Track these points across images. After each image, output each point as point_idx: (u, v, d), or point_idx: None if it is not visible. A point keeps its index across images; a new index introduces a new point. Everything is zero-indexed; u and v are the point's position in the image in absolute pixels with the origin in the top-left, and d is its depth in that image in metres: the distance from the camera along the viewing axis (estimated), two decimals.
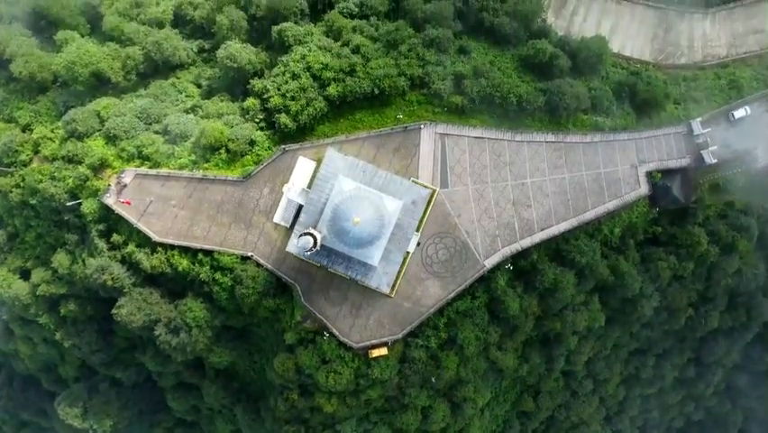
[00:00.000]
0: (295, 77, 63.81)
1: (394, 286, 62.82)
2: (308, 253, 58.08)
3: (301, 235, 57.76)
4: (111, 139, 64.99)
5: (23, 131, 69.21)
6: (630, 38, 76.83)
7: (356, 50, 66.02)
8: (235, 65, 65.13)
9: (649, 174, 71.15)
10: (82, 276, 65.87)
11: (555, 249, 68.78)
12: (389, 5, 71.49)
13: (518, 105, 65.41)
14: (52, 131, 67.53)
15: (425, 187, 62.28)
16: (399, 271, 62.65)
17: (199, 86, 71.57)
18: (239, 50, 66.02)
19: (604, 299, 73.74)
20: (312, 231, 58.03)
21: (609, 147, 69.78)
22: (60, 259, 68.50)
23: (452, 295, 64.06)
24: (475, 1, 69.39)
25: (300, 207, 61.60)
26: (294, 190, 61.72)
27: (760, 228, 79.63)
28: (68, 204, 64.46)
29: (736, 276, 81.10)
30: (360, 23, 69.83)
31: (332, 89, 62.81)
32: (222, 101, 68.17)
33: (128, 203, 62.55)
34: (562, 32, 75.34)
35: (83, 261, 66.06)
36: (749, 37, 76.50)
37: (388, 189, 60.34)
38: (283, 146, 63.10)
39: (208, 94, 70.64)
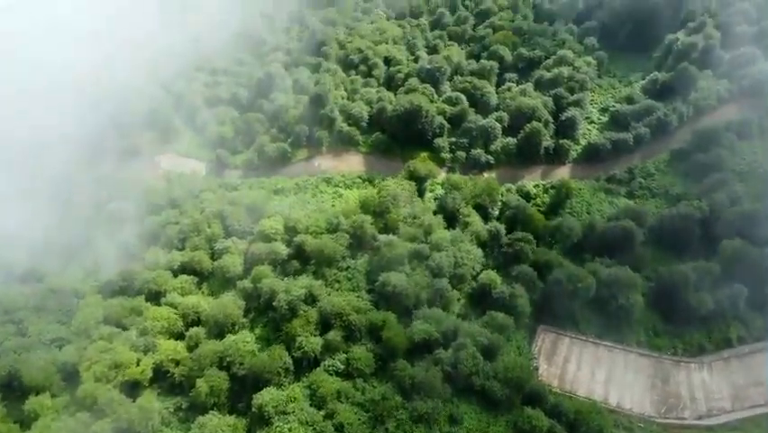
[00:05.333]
0: None
1: None
2: None
3: None
4: None
5: None
6: (627, 388, 73.91)
7: (340, 428, 62.53)
8: None
9: None
10: None
11: None
12: (376, 365, 70.20)
13: None
14: None
15: None
16: None
17: None
18: (216, 427, 62.56)
19: None
20: None
21: None
22: None
23: None
24: (464, 366, 67.48)
25: None
26: None
27: None
28: None
29: None
30: (345, 385, 67.77)
31: None
32: None
33: None
34: (556, 383, 73.04)
35: None
36: (751, 389, 73.42)
37: None
38: None
39: None
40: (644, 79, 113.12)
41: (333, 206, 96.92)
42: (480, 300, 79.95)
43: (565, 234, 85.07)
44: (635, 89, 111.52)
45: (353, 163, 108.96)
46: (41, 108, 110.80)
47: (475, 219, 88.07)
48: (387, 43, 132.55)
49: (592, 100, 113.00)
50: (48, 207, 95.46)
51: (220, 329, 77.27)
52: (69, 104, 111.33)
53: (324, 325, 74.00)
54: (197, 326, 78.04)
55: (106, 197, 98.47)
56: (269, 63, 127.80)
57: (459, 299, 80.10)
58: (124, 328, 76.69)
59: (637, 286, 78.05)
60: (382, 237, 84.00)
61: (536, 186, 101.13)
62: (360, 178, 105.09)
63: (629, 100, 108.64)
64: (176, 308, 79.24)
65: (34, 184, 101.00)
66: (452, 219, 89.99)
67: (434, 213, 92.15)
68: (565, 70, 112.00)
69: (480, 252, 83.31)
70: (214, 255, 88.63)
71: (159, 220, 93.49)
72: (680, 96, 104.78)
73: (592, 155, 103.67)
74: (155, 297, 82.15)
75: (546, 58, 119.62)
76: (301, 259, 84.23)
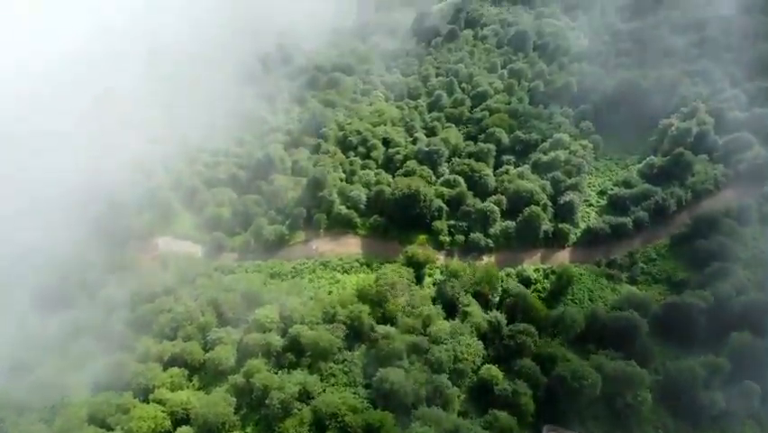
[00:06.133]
0: None
1: None
2: None
3: None
4: None
5: None
6: None
7: None
8: None
9: None
10: None
11: None
12: None
13: None
14: None
15: None
16: None
17: None
18: None
19: None
20: None
21: None
22: None
23: None
24: None
25: None
26: None
27: None
28: None
29: None
30: None
31: None
32: None
33: None
34: None
35: None
36: None
37: None
38: None
39: None
40: (640, 163, 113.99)
41: (330, 292, 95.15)
42: (482, 396, 76.67)
43: (568, 325, 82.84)
44: (632, 173, 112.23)
45: (351, 246, 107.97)
46: (35, 185, 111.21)
47: (475, 309, 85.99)
48: (385, 125, 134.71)
49: (590, 183, 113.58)
50: (39, 294, 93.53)
51: (210, 428, 73.63)
52: (66, 184, 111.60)
53: (319, 426, 70.61)
54: (186, 424, 74.45)
55: (100, 282, 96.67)
56: (269, 144, 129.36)
57: (459, 396, 76.80)
58: (109, 428, 73.18)
59: (644, 382, 75.01)
60: (380, 328, 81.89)
61: (537, 270, 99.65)
62: (357, 261, 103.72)
63: (627, 184, 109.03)
64: (164, 405, 76.06)
65: (27, 267, 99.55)
66: (451, 308, 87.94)
67: (433, 301, 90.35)
68: (562, 154, 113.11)
69: (480, 344, 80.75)
70: (206, 345, 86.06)
71: (151, 308, 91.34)
72: (677, 180, 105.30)
73: (592, 239, 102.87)
74: (144, 392, 79.00)
75: (543, 140, 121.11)
76: (296, 351, 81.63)
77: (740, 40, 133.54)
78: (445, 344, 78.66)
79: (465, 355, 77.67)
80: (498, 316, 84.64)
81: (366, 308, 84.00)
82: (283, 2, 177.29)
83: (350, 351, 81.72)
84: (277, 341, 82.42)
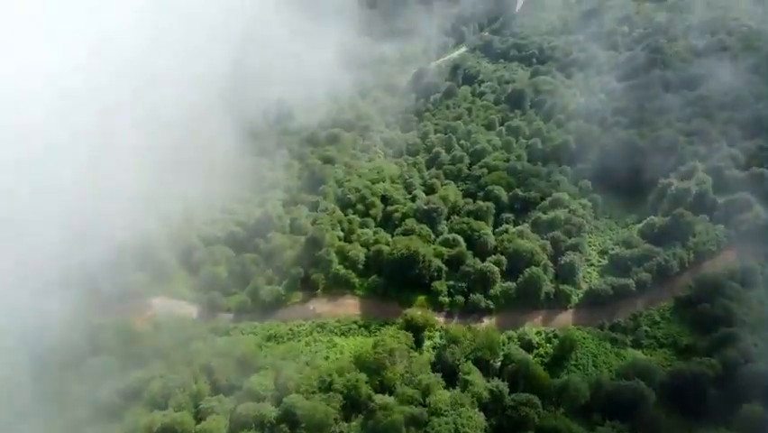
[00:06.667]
0: None
1: None
2: None
3: None
4: None
5: None
6: None
7: None
8: None
9: None
10: None
11: None
12: None
13: None
14: None
15: None
16: None
17: None
18: None
19: None
20: None
21: None
22: None
23: None
24: None
25: None
26: None
27: None
28: None
29: None
30: None
31: None
32: None
33: None
34: None
35: None
36: None
37: None
38: None
39: None
40: (640, 222, 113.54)
41: (326, 358, 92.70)
42: None
43: (572, 395, 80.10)
44: (633, 232, 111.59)
45: (349, 307, 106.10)
46: (25, 244, 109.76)
47: (476, 376, 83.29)
48: (384, 181, 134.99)
49: (590, 242, 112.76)
50: (25, 359, 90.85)
51: None
52: (58, 240, 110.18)
53: None
54: None
55: (89, 348, 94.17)
56: (268, 201, 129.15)
57: None
58: None
59: None
60: (378, 398, 79.23)
61: (538, 333, 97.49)
62: (355, 323, 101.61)
63: (628, 244, 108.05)
64: None
65: (13, 327, 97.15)
66: (451, 375, 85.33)
67: (433, 367, 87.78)
68: (561, 213, 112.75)
69: (481, 415, 77.76)
70: (198, 414, 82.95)
71: (142, 376, 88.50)
72: (678, 240, 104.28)
73: (594, 300, 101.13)
74: None
75: (542, 198, 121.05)
76: (290, 422, 78.39)
77: (733, 99, 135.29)
78: (446, 416, 75.83)
79: (466, 429, 74.64)
80: (500, 384, 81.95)
81: (363, 377, 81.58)
82: (282, 67, 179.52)
83: (346, 422, 78.88)
84: (270, 412, 79.50)
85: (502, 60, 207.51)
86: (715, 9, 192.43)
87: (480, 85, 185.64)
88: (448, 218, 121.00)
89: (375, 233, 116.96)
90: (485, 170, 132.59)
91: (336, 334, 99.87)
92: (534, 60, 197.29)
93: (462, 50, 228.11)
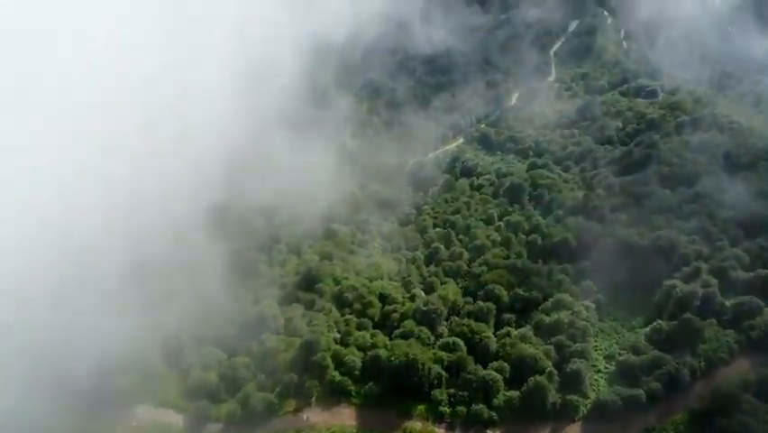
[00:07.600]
0: None
1: None
2: None
3: None
4: None
5: None
6: None
7: None
8: None
9: None
10: None
11: None
12: None
13: None
14: None
15: None
16: None
17: None
18: None
19: None
20: None
21: None
22: None
23: None
24: None
25: None
26: None
27: None
28: None
29: None
30: None
31: None
32: None
33: None
34: None
35: None
36: None
37: None
38: None
39: None
40: (645, 325, 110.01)
41: None
42: None
43: None
44: (640, 336, 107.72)
45: (345, 417, 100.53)
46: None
47: None
48: (382, 279, 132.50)
49: (595, 346, 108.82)
50: None
51: None
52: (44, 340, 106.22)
53: None
54: None
55: None
56: (263, 300, 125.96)
57: None
58: None
59: None
60: None
61: None
62: None
63: (635, 350, 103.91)
64: None
65: None
66: None
67: None
68: (565, 316, 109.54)
69: None
70: None
71: None
72: (688, 347, 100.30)
73: (603, 411, 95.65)
74: None
75: (544, 298, 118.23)
76: None
77: (732, 197, 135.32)
78: None
79: None
80: None
81: None
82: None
83: None
84: None
85: (499, 153, 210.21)
86: (705, 106, 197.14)
87: (478, 177, 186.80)
88: (447, 318, 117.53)
89: (373, 335, 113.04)
90: (485, 268, 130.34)
91: None
92: (531, 153, 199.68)
93: (460, 141, 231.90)
